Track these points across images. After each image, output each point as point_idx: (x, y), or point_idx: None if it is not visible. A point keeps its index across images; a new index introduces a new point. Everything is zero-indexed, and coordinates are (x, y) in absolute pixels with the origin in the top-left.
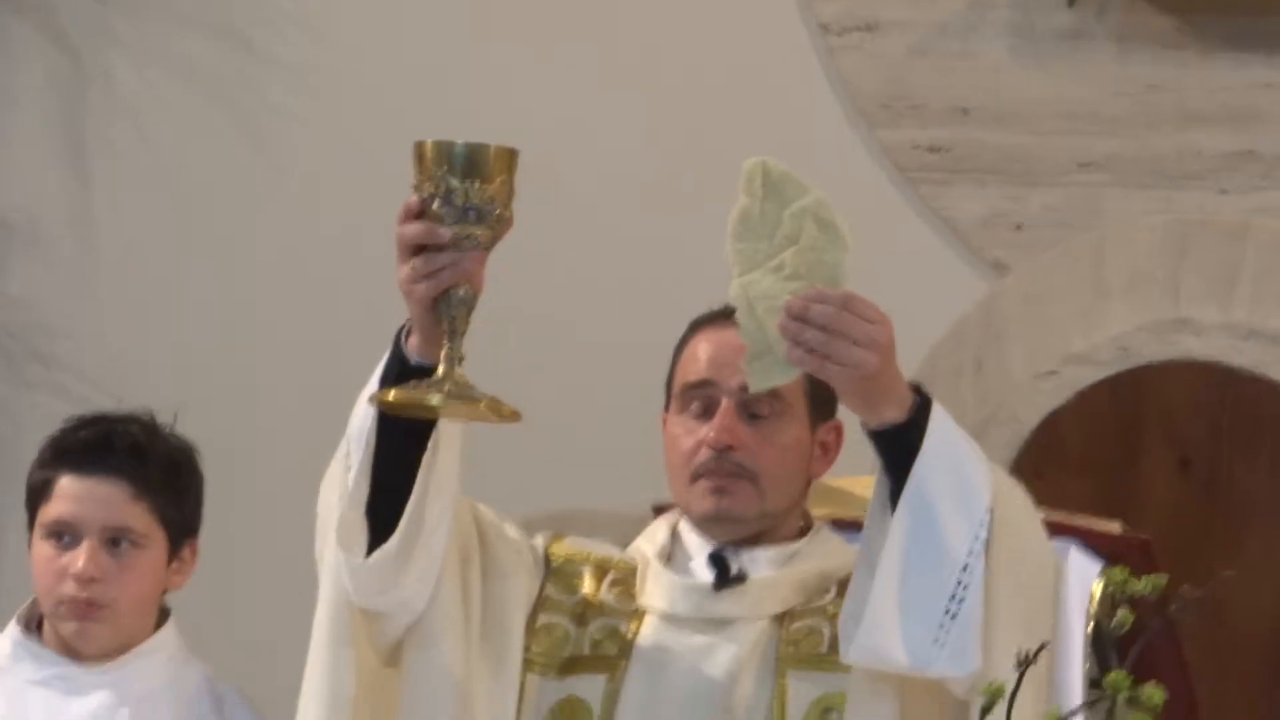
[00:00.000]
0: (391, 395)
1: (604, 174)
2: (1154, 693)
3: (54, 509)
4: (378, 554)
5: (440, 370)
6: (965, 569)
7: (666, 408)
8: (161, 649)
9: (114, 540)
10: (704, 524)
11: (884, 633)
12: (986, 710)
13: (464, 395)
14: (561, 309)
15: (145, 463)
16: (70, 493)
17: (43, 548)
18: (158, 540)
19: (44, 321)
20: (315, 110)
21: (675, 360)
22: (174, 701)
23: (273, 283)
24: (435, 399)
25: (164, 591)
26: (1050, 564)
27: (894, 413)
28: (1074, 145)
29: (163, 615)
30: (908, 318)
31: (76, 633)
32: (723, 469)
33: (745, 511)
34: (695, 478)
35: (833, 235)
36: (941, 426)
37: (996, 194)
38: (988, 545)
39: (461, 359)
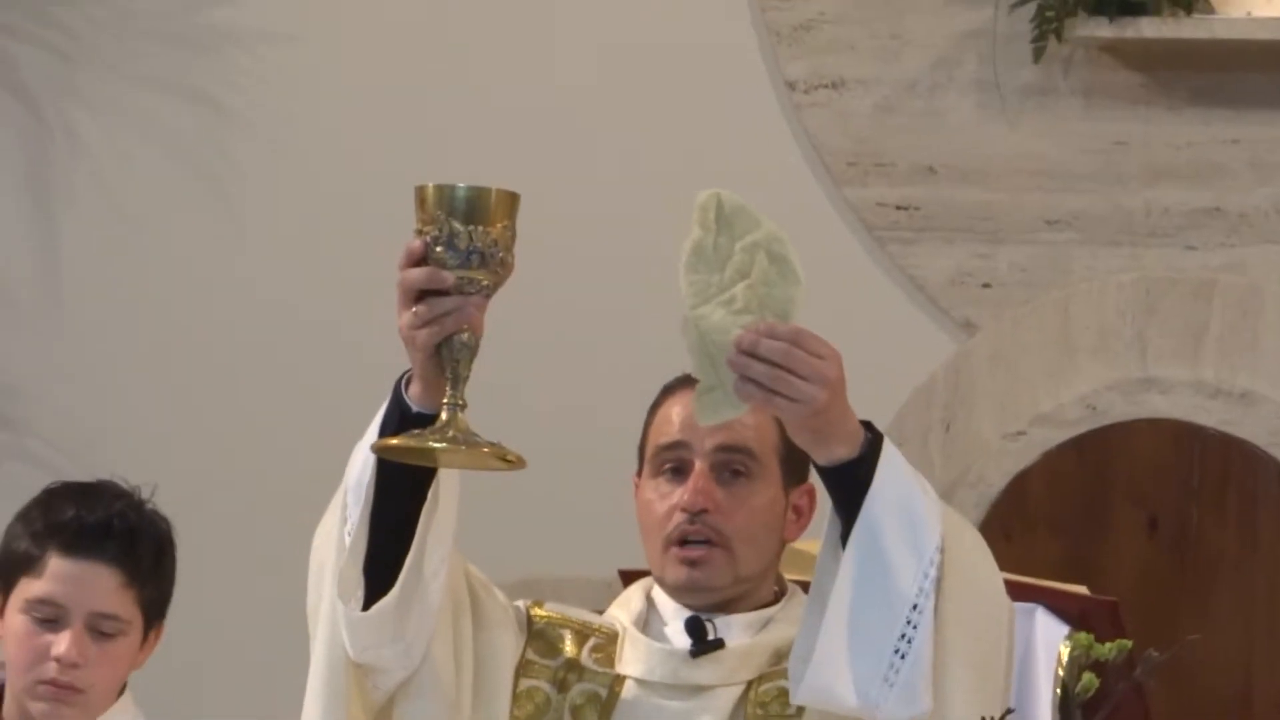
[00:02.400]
0: (394, 442)
1: (571, 231)
2: None
3: (41, 587)
4: (377, 607)
5: (443, 416)
6: (915, 608)
7: (639, 473)
8: None
9: (98, 626)
10: (677, 592)
11: (833, 672)
12: None
13: (467, 441)
14: (524, 372)
15: (137, 549)
16: (61, 574)
17: (21, 621)
18: (138, 625)
19: (9, 384)
20: (279, 168)
21: (647, 424)
22: None
23: (242, 341)
24: (438, 445)
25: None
26: (1004, 605)
27: (844, 449)
28: (1041, 202)
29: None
30: (875, 377)
31: (48, 713)
32: (697, 535)
33: (718, 580)
34: (669, 545)
35: (785, 270)
36: (891, 464)
37: (964, 252)
38: (938, 584)
39: (464, 406)
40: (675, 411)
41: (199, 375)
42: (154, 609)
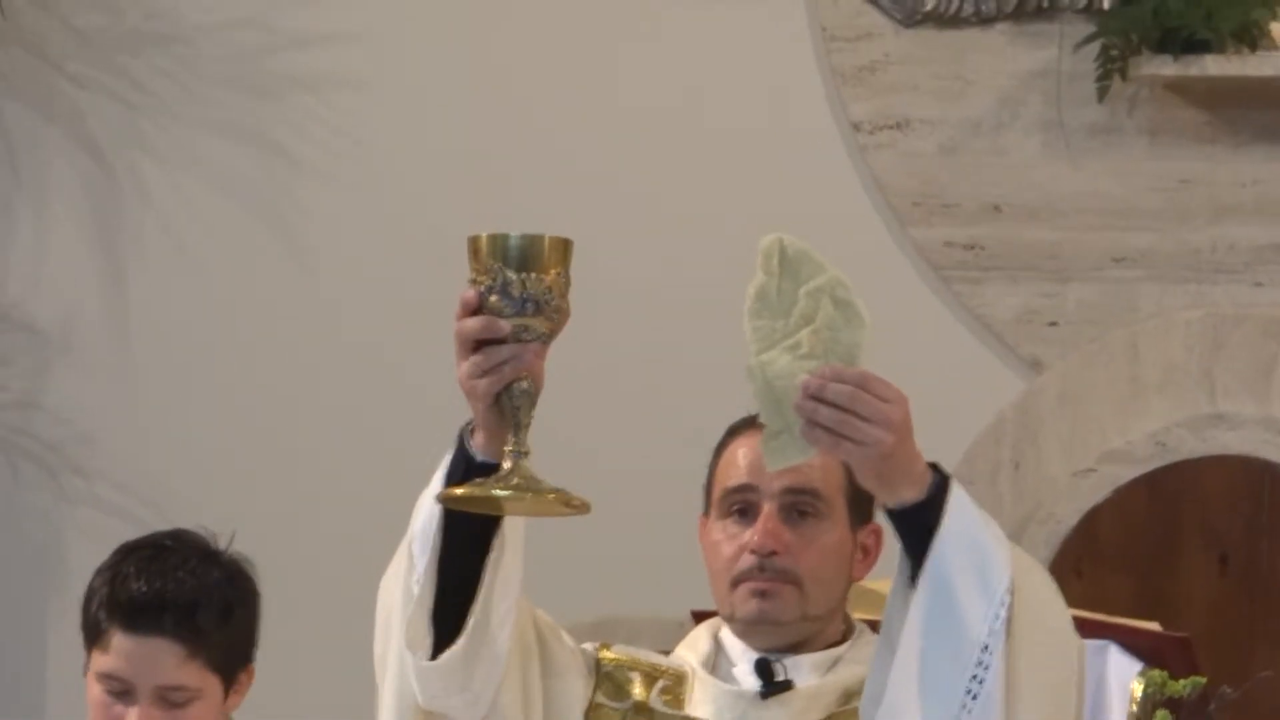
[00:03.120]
0: (459, 492)
1: (636, 275)
2: None
3: (107, 662)
4: (446, 655)
5: (506, 465)
6: (986, 649)
7: (705, 513)
8: None
9: (167, 697)
10: (746, 629)
11: (904, 715)
12: None
13: (532, 488)
14: (594, 413)
15: (197, 620)
16: (122, 650)
17: (96, 691)
18: (213, 686)
19: (83, 433)
20: (348, 213)
21: (713, 466)
22: None
23: (310, 387)
24: (503, 492)
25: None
26: (1074, 644)
27: (912, 492)
28: (1107, 240)
29: None
30: (944, 417)
31: None
32: (766, 574)
33: (788, 615)
34: (737, 583)
35: (849, 314)
36: (960, 505)
37: (1031, 291)
38: (1008, 625)
39: (527, 453)
40: (741, 454)
41: (269, 421)
42: (230, 666)
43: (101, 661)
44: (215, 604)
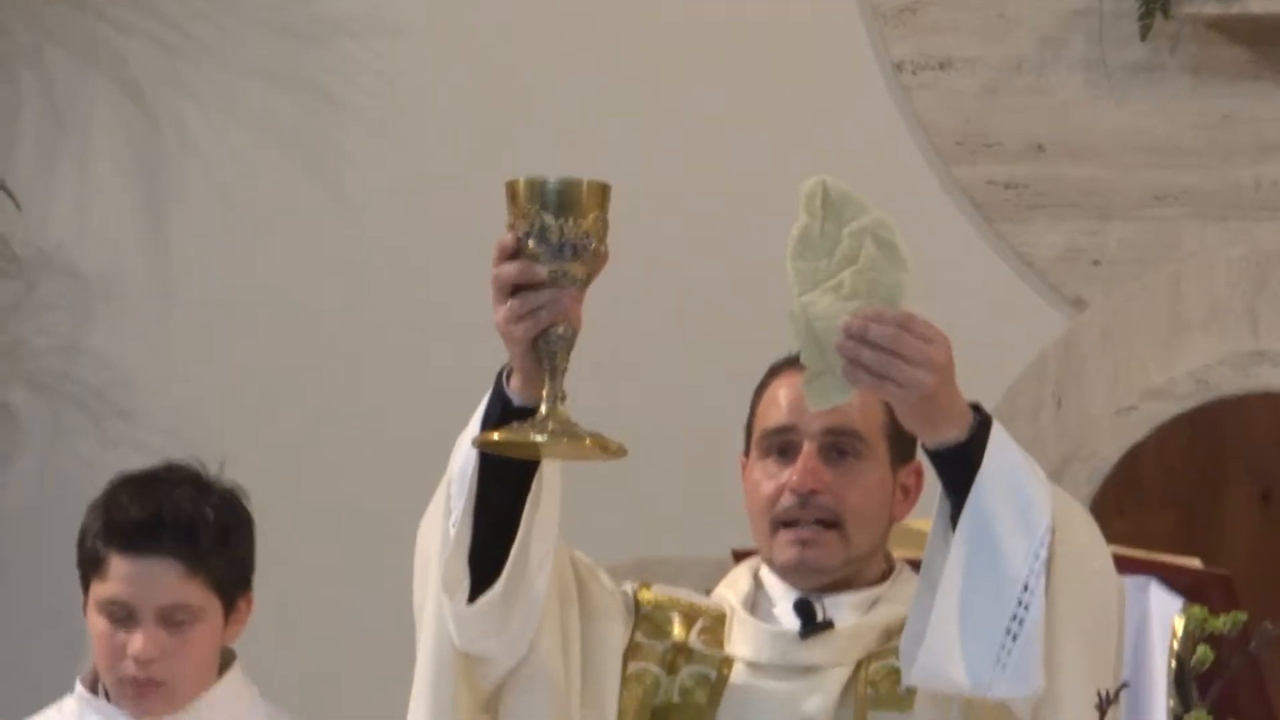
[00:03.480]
0: (496, 436)
1: (677, 214)
2: None
3: (107, 589)
4: (483, 599)
5: (543, 409)
6: (1026, 588)
7: (746, 453)
8: (226, 696)
9: (170, 617)
10: (787, 572)
11: (945, 654)
12: None
13: (568, 432)
14: (636, 353)
15: (196, 536)
16: (122, 573)
17: (99, 622)
18: (214, 607)
19: (125, 378)
20: (390, 158)
21: (754, 406)
22: None
23: (352, 331)
24: (539, 437)
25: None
26: (1114, 582)
27: (953, 432)
28: (1150, 178)
29: (226, 658)
30: (987, 354)
31: (138, 707)
32: (807, 516)
33: (830, 561)
34: (778, 526)
35: (892, 255)
36: (1001, 445)
37: (1073, 229)
38: (1048, 564)
39: (564, 397)
40: (782, 394)
41: (311, 365)
42: (230, 587)
43: (101, 589)
44: (212, 524)
